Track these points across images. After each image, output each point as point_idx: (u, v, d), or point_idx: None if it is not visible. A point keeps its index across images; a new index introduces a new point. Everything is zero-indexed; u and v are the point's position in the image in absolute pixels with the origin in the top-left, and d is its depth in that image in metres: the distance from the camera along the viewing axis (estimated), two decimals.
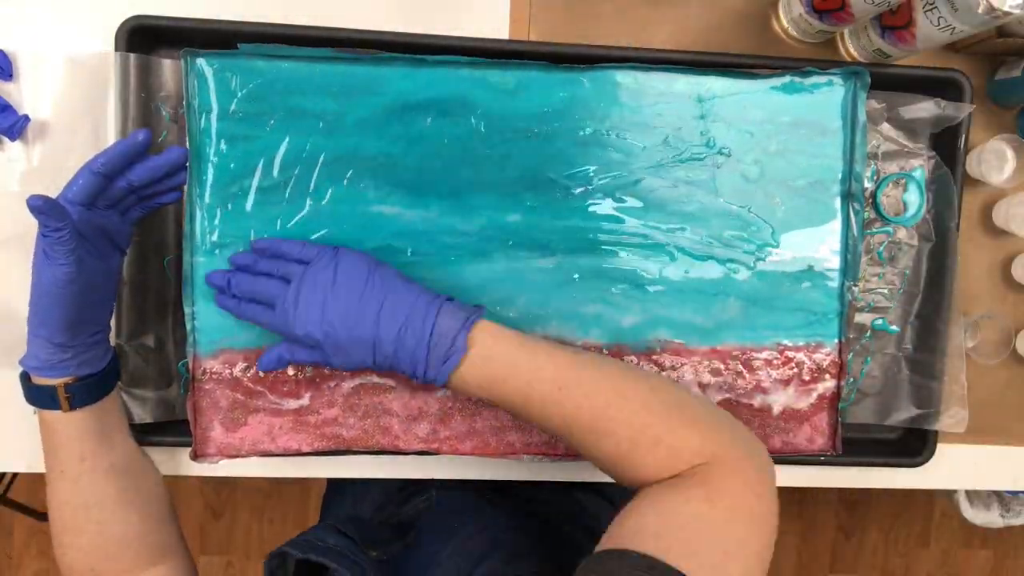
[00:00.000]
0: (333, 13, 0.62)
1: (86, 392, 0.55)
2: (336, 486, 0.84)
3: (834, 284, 0.63)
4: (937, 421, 0.66)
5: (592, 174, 0.61)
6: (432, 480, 0.71)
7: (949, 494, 1.35)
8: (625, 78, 0.60)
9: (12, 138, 0.60)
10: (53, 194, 0.60)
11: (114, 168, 0.52)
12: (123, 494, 0.58)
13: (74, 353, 0.53)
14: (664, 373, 0.63)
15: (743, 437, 0.48)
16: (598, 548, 0.43)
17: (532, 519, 0.69)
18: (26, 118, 0.60)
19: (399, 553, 0.59)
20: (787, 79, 0.61)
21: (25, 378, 0.55)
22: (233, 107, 0.58)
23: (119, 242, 0.55)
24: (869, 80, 0.61)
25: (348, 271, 0.52)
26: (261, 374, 0.60)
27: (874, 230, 0.65)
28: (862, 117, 0.61)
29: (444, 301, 0.51)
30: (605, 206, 0.61)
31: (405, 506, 0.70)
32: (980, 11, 0.51)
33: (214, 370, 0.60)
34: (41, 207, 0.48)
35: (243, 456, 0.61)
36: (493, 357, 0.50)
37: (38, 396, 0.54)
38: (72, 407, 0.54)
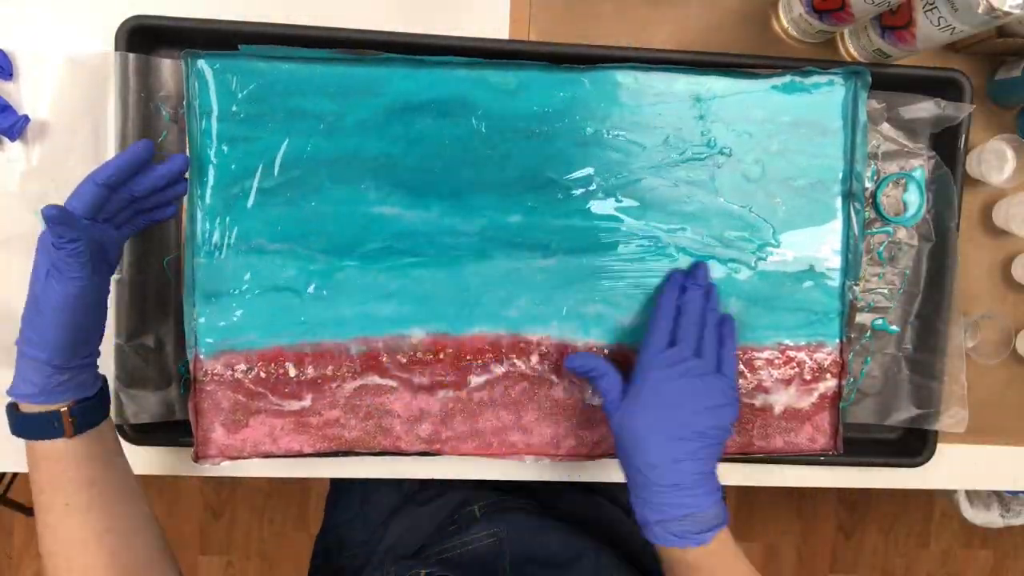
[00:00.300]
0: (333, 13, 0.62)
1: (88, 414, 0.53)
2: (341, 484, 0.84)
3: (835, 284, 0.63)
4: (937, 421, 0.66)
5: (592, 174, 0.61)
6: (466, 496, 0.71)
7: (949, 494, 1.35)
8: (625, 78, 0.60)
9: (12, 138, 0.60)
10: (53, 195, 0.60)
11: (118, 180, 0.50)
12: (132, 519, 0.55)
13: (71, 375, 0.51)
14: None
15: None
16: None
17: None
18: (26, 118, 0.60)
19: None
20: (787, 79, 0.61)
21: (13, 409, 0.51)
22: (234, 108, 0.58)
23: (111, 258, 0.53)
24: (870, 80, 0.61)
25: (716, 418, 0.54)
26: (264, 375, 0.60)
27: (874, 230, 0.65)
28: (862, 117, 0.61)
29: (720, 504, 0.53)
30: (605, 206, 0.61)
31: (461, 536, 0.67)
32: (980, 11, 0.51)
33: (215, 371, 0.60)
34: (57, 217, 0.46)
35: (245, 458, 0.61)
36: (718, 555, 0.53)
37: (34, 425, 0.51)
38: (76, 432, 0.52)
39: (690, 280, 0.60)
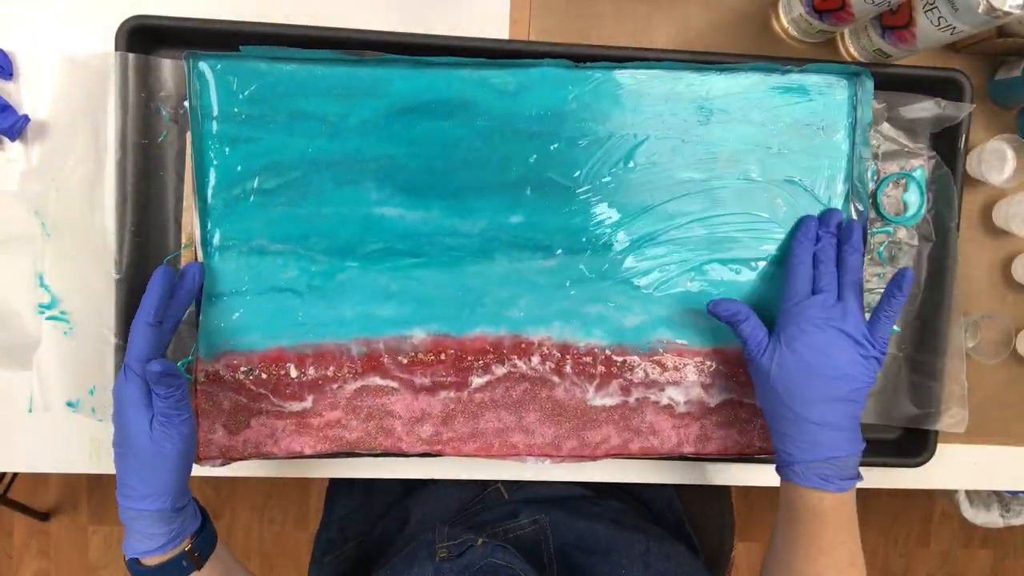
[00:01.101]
0: (333, 13, 0.62)
1: (207, 542, 0.55)
2: (341, 482, 0.84)
3: None
4: (937, 421, 0.66)
5: (593, 174, 0.61)
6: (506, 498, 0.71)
7: (949, 494, 1.35)
8: (626, 78, 0.60)
9: (12, 138, 0.60)
10: (53, 195, 0.60)
11: (160, 313, 0.52)
12: None
13: (184, 514, 0.53)
14: (666, 374, 0.63)
15: None
16: None
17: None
18: (26, 118, 0.60)
19: None
20: (789, 79, 0.61)
21: (135, 565, 0.52)
22: (235, 109, 0.58)
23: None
24: (872, 81, 0.61)
25: (862, 373, 0.55)
26: (265, 376, 0.60)
27: (874, 230, 0.65)
28: (864, 117, 0.61)
29: (861, 455, 0.55)
30: (606, 206, 0.61)
31: (503, 522, 0.68)
32: (980, 11, 0.51)
33: (216, 373, 0.60)
34: (164, 370, 0.48)
35: (246, 459, 0.61)
36: (847, 508, 0.54)
37: (164, 574, 0.52)
38: (203, 563, 0.54)
39: (823, 228, 0.60)
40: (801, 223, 0.61)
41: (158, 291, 0.52)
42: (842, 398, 0.53)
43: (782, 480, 0.56)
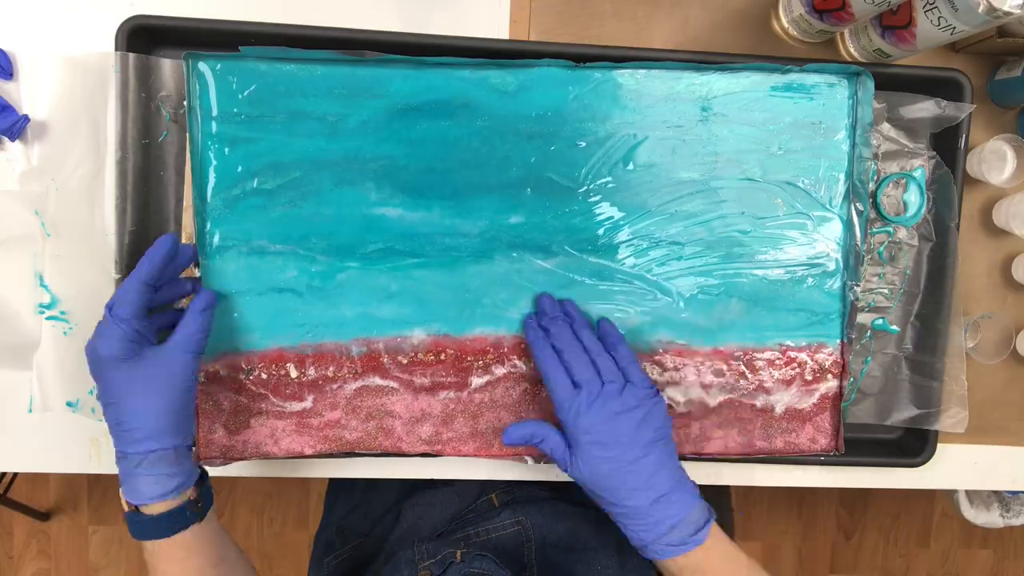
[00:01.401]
0: (333, 13, 0.62)
1: (207, 495, 0.55)
2: (342, 482, 0.84)
3: (836, 284, 0.63)
4: (937, 421, 0.66)
5: (593, 175, 0.61)
6: (483, 485, 0.72)
7: (949, 494, 1.35)
8: (626, 78, 0.60)
9: (12, 138, 0.60)
10: (53, 195, 0.60)
11: (156, 276, 0.52)
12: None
13: (188, 459, 0.53)
14: (666, 374, 0.63)
15: None
16: None
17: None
18: (26, 118, 0.60)
19: None
20: (789, 79, 0.61)
21: (135, 515, 0.51)
22: (235, 110, 0.58)
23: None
24: (873, 81, 0.61)
25: (651, 422, 0.54)
26: (265, 376, 0.60)
27: (875, 230, 0.65)
28: (864, 117, 0.61)
29: (700, 498, 0.55)
30: (606, 207, 0.61)
31: (483, 523, 0.68)
32: (980, 11, 0.51)
33: (217, 373, 0.60)
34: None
35: (246, 458, 0.61)
36: (716, 551, 0.53)
37: (167, 522, 0.51)
38: (204, 515, 0.53)
39: (544, 318, 0.59)
40: (523, 327, 0.60)
41: (161, 255, 0.51)
42: (654, 469, 0.53)
43: (663, 568, 0.56)
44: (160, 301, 0.55)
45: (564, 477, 0.69)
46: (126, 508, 0.52)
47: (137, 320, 0.50)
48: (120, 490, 0.52)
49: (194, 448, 0.58)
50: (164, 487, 0.51)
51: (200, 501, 0.53)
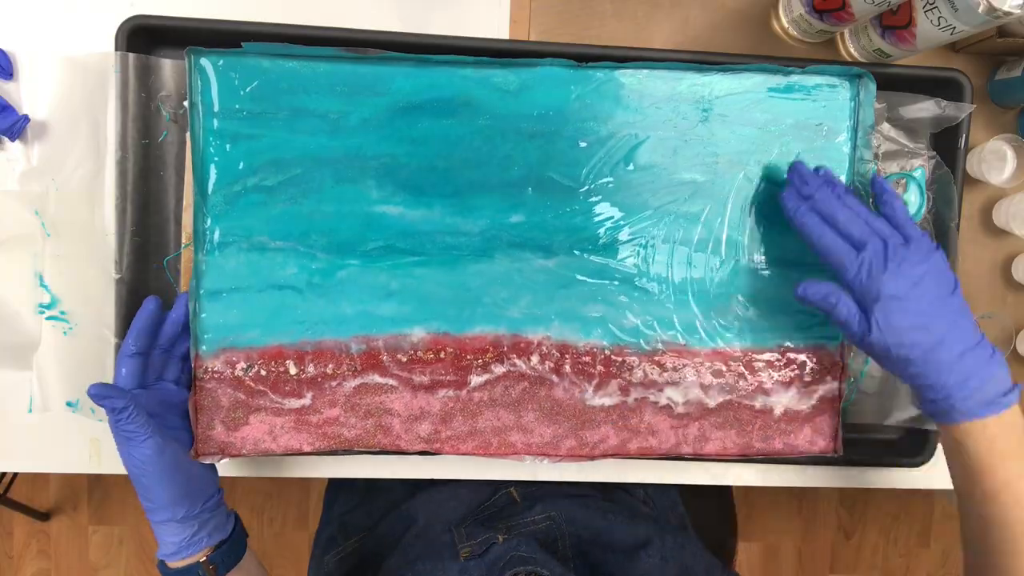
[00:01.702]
0: (334, 13, 0.62)
1: (227, 556, 0.58)
2: (342, 480, 0.84)
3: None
4: None
5: (594, 175, 0.61)
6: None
7: (949, 494, 1.35)
8: (627, 78, 0.60)
9: (12, 138, 0.60)
10: (53, 195, 0.60)
11: (145, 343, 0.55)
12: None
13: (199, 524, 0.56)
14: (665, 374, 0.63)
15: None
16: None
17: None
18: (26, 118, 0.60)
19: None
20: (791, 80, 0.61)
21: (163, 566, 0.57)
22: (236, 106, 0.58)
23: (180, 412, 0.58)
24: (874, 83, 0.61)
25: (942, 273, 0.52)
26: (264, 373, 0.60)
27: None
28: (865, 119, 0.61)
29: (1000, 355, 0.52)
30: (607, 206, 0.61)
31: (513, 517, 0.68)
32: (980, 11, 0.51)
33: (216, 369, 0.60)
34: (99, 393, 0.51)
35: (244, 455, 0.61)
36: (1017, 429, 0.50)
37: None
38: (221, 574, 0.57)
39: (805, 188, 0.56)
40: (783, 201, 0.57)
41: (143, 321, 0.55)
42: (955, 317, 0.51)
43: (948, 434, 0.53)
44: (161, 358, 0.58)
45: (559, 475, 0.69)
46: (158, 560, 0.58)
47: (139, 412, 0.52)
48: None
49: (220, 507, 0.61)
50: (165, 550, 0.56)
51: (214, 564, 0.57)
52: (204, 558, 0.56)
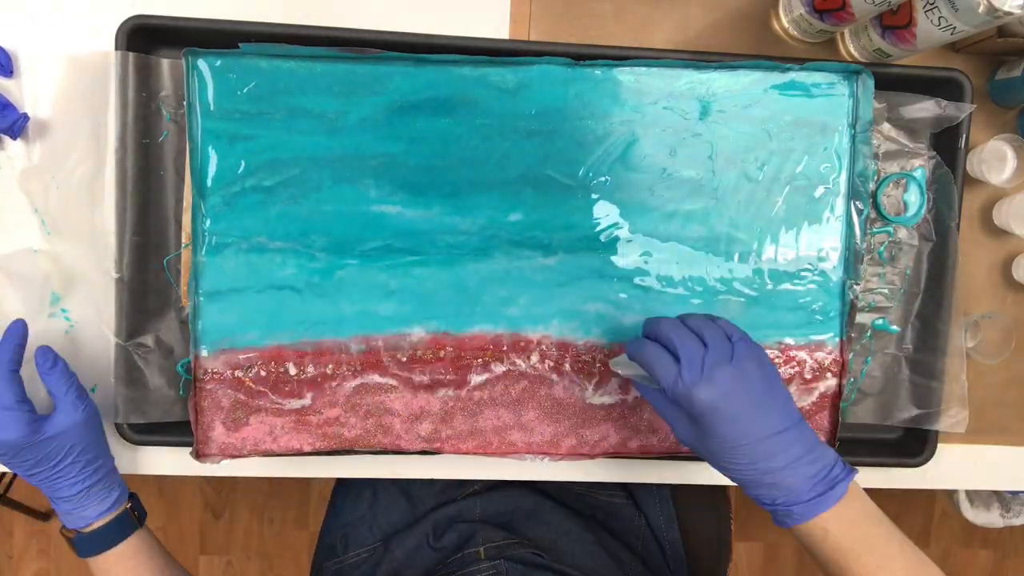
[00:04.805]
0: (333, 13, 0.62)
1: (140, 506, 0.61)
2: (351, 483, 0.84)
3: (836, 283, 0.63)
4: (937, 421, 0.66)
5: (592, 173, 0.61)
6: (473, 532, 0.72)
7: (949, 494, 1.35)
8: (626, 77, 0.61)
9: (13, 136, 0.60)
10: (54, 193, 0.61)
11: (19, 358, 0.55)
12: None
13: (116, 480, 0.59)
14: None
15: None
16: None
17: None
18: (26, 116, 0.60)
19: None
20: (789, 78, 0.61)
21: (78, 536, 0.58)
22: (234, 106, 0.58)
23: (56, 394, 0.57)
24: (872, 80, 0.61)
25: (764, 374, 0.50)
26: (264, 373, 0.60)
27: (875, 230, 0.65)
28: (864, 116, 0.61)
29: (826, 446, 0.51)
30: (606, 204, 0.61)
31: (462, 569, 0.68)
32: (980, 11, 0.51)
33: (216, 370, 0.60)
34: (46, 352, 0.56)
35: (245, 456, 0.61)
36: (856, 520, 0.50)
37: (107, 534, 0.57)
38: (142, 521, 0.60)
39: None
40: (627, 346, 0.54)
41: (12, 339, 0.55)
42: (779, 425, 0.49)
43: (798, 534, 0.52)
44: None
45: (559, 475, 0.69)
46: (71, 535, 0.58)
47: (20, 404, 0.54)
48: (61, 526, 0.58)
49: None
50: (104, 504, 0.57)
51: (136, 511, 0.60)
52: (128, 505, 0.59)
